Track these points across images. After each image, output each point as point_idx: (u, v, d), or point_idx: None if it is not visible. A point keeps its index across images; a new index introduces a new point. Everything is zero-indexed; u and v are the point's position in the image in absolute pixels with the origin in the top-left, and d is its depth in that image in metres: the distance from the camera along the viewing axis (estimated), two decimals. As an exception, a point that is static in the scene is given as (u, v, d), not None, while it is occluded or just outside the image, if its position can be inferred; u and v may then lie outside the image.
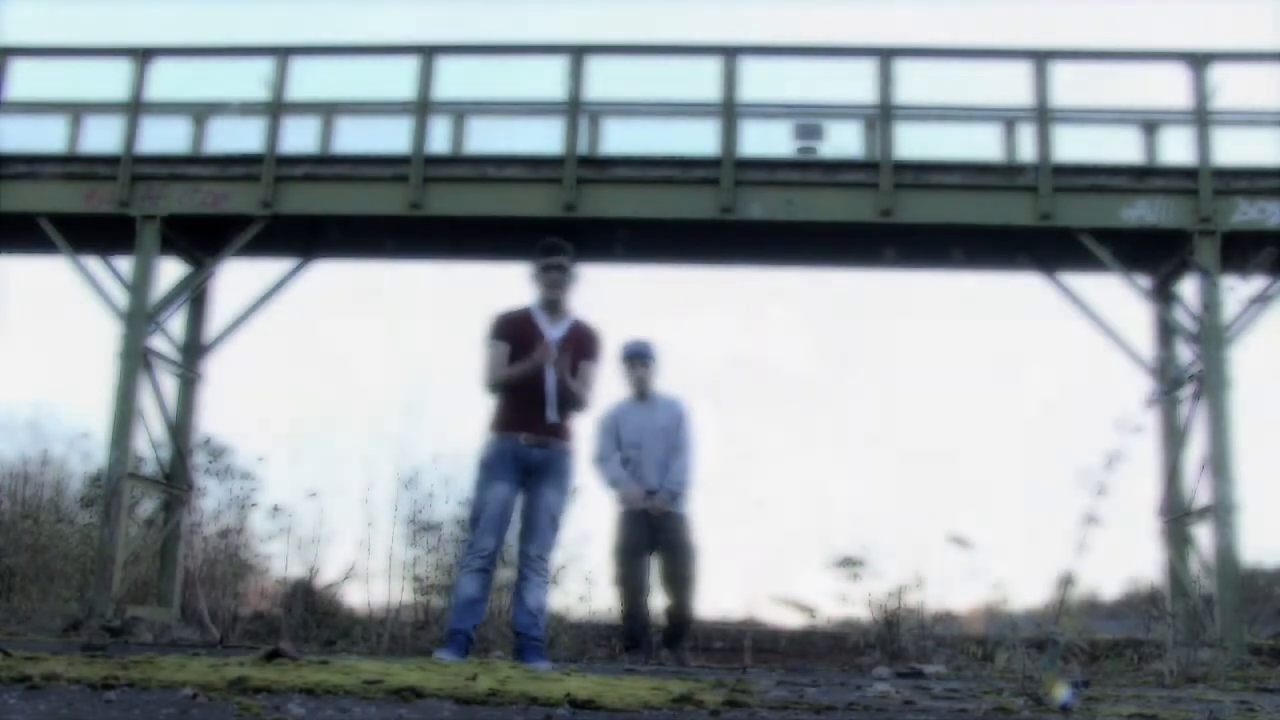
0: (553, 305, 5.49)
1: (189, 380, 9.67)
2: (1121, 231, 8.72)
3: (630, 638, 6.94)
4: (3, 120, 9.67)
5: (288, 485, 10.13)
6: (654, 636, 7.01)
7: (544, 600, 5.34)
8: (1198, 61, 8.83)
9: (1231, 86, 8.80)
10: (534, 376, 5.37)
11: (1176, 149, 9.01)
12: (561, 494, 5.38)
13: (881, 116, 8.94)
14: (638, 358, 7.13)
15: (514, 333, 5.44)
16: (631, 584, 6.90)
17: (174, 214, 9.15)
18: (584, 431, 5.57)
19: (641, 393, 7.15)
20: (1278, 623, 9.10)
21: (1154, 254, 9.02)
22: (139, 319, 8.99)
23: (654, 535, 6.91)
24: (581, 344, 5.47)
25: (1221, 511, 8.11)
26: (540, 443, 5.35)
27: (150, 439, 9.27)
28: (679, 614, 6.91)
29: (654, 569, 6.96)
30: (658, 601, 7.02)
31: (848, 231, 9.14)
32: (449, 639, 5.24)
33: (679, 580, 6.87)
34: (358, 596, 9.55)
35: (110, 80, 9.49)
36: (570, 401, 5.40)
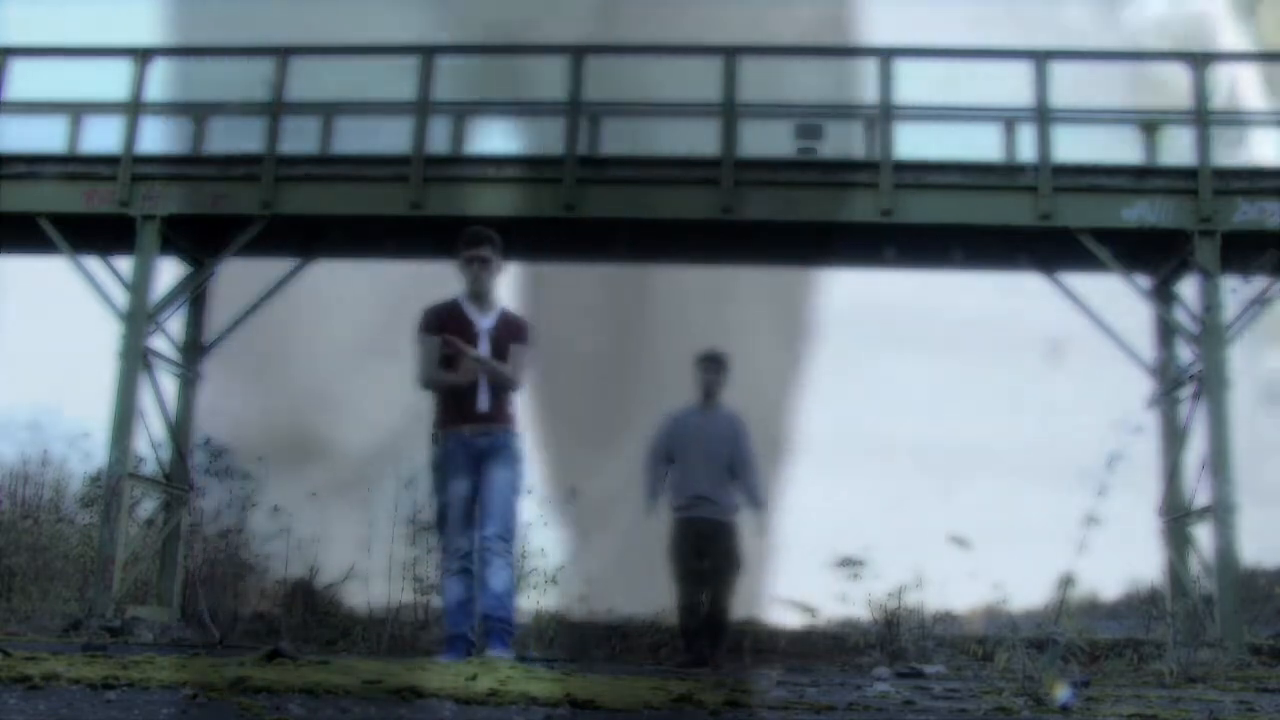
0: (478, 296, 5.50)
1: (189, 380, 9.67)
2: (1121, 231, 8.71)
3: (684, 639, 7.07)
4: (3, 120, 9.66)
5: (287, 485, 10.09)
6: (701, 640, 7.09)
7: (510, 582, 5.27)
8: (1198, 61, 8.83)
9: (1232, 86, 8.80)
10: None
11: (1176, 149, 9.01)
12: (512, 473, 5.35)
13: (881, 116, 8.94)
14: (711, 361, 7.14)
15: (444, 325, 5.42)
16: (682, 590, 7.00)
17: (174, 214, 9.14)
18: (524, 413, 5.57)
19: (707, 396, 7.14)
20: (1278, 623, 9.08)
21: (1154, 254, 9.02)
22: (139, 319, 8.98)
23: (703, 543, 6.93)
24: (511, 330, 5.50)
25: (1221, 511, 8.12)
26: (483, 430, 5.33)
27: (150, 439, 9.27)
28: (714, 618, 6.96)
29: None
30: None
31: (848, 231, 9.14)
32: (448, 644, 5.25)
33: (717, 587, 6.94)
34: (358, 596, 9.54)
35: (110, 80, 9.49)
36: (503, 385, 5.41)
